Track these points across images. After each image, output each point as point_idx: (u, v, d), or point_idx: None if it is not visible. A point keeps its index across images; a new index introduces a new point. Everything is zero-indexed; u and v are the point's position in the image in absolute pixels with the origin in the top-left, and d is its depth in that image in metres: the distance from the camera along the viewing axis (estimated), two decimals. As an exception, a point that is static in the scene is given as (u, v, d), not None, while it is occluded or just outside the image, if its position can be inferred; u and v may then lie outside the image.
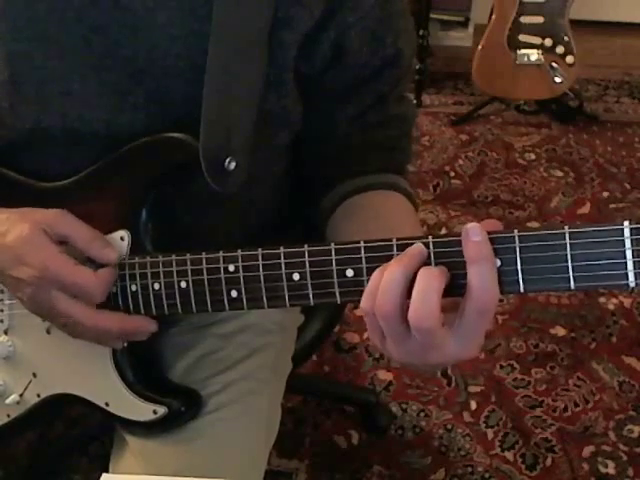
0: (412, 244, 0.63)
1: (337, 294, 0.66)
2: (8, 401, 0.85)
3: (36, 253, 0.74)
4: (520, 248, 0.59)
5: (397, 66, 0.83)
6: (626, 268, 0.56)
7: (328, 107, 0.84)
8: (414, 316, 0.59)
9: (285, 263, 0.67)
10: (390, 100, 0.86)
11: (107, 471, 0.87)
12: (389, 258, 0.63)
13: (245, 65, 0.76)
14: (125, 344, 0.80)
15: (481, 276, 0.58)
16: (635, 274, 0.56)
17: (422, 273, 0.60)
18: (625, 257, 0.56)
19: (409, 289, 0.60)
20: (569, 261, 0.58)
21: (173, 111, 0.78)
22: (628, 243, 0.56)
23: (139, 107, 0.78)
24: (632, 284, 0.56)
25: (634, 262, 0.56)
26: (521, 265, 0.59)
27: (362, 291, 0.64)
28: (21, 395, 0.85)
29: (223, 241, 0.72)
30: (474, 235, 0.59)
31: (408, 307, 0.60)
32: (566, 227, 0.58)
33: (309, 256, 0.66)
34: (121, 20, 0.76)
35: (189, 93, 0.76)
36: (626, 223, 0.56)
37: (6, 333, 0.86)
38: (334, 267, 0.65)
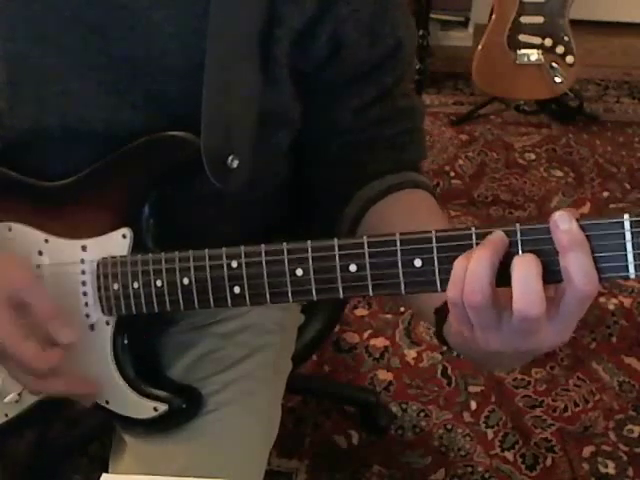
0: (415, 239, 0.62)
1: (340, 289, 0.66)
2: (6, 400, 0.85)
3: None
4: (522, 241, 0.59)
5: (398, 57, 0.83)
6: (626, 260, 0.57)
7: (330, 103, 0.83)
8: (520, 305, 0.57)
9: (288, 259, 0.68)
10: (396, 94, 0.85)
11: (107, 471, 0.87)
12: (392, 253, 0.63)
13: (244, 63, 0.76)
14: (126, 341, 0.80)
15: (579, 263, 0.57)
16: (635, 266, 0.57)
17: (519, 261, 0.58)
18: (625, 249, 0.57)
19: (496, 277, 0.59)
20: None
21: (172, 110, 0.78)
22: (628, 235, 0.56)
23: (138, 106, 0.78)
24: (632, 276, 0.57)
25: (634, 254, 0.56)
26: None
27: (365, 286, 0.64)
28: (19, 394, 0.85)
29: (223, 240, 0.72)
30: (563, 223, 0.57)
31: (496, 295, 0.59)
32: None
33: (312, 251, 0.67)
34: (118, 19, 0.76)
35: (188, 91, 0.76)
36: (626, 216, 0.56)
37: (5, 332, 0.86)
38: (337, 262, 0.65)
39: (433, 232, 0.62)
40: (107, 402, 0.82)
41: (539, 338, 0.60)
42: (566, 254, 0.57)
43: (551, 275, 0.58)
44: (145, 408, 0.81)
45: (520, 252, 0.59)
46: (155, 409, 0.81)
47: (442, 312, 0.68)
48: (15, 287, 0.75)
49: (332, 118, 0.84)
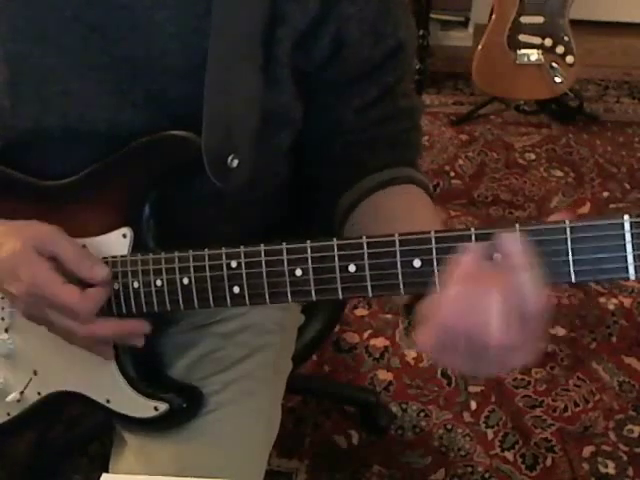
0: (414, 239, 0.63)
1: (339, 290, 0.66)
2: (8, 399, 0.85)
3: (27, 269, 0.74)
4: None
5: (399, 58, 0.83)
6: (626, 261, 0.57)
7: (331, 103, 0.84)
8: (498, 336, 0.58)
9: (287, 259, 0.68)
10: (397, 93, 0.85)
11: (107, 471, 0.87)
12: (391, 253, 0.63)
13: (245, 63, 0.76)
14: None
15: (521, 285, 0.58)
16: (635, 267, 0.57)
17: (496, 294, 0.58)
18: (625, 250, 0.57)
19: None
20: (569, 255, 0.58)
21: (172, 109, 0.78)
22: (628, 237, 0.56)
23: (139, 106, 0.78)
24: (632, 277, 0.57)
25: (634, 255, 0.56)
26: None
27: (364, 286, 0.64)
28: (21, 393, 0.85)
29: (223, 240, 0.72)
30: (506, 246, 0.59)
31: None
32: (567, 221, 0.58)
33: (311, 252, 0.67)
34: (119, 19, 0.76)
35: (188, 91, 0.76)
36: (626, 217, 0.57)
37: (7, 331, 0.86)
38: (336, 263, 0.65)
39: (432, 232, 0.62)
40: (108, 401, 0.82)
41: (512, 362, 0.61)
42: (517, 275, 0.58)
43: (550, 276, 0.59)
44: (146, 407, 0.81)
45: None
46: (156, 408, 0.81)
47: (411, 309, 0.68)
48: (39, 239, 0.75)
49: (334, 118, 0.84)
